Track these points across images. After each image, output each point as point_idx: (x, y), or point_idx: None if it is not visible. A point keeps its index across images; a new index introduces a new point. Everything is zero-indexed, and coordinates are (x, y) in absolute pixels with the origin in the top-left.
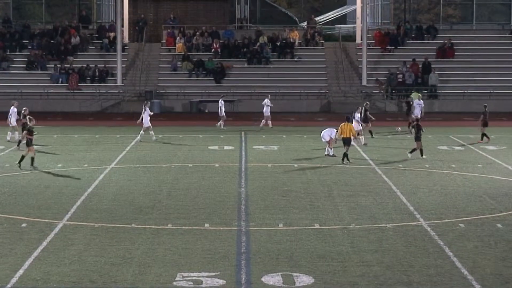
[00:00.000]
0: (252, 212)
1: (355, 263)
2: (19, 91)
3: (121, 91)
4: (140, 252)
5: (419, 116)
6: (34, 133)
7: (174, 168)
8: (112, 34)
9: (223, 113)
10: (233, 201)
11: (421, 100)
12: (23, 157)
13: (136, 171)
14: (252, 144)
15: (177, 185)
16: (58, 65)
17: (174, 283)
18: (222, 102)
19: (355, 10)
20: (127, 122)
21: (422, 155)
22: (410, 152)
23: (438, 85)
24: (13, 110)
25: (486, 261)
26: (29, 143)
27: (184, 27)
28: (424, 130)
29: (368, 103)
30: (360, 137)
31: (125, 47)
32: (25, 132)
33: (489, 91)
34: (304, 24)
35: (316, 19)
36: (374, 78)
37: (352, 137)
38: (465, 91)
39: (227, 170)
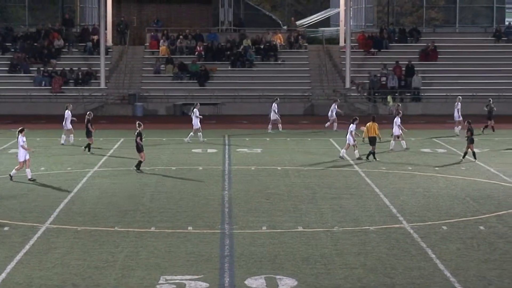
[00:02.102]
0: (235, 215)
1: (339, 265)
2: (2, 94)
3: (104, 94)
4: (123, 255)
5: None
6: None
7: (157, 171)
8: (95, 37)
9: (277, 116)
10: (216, 204)
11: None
12: (139, 163)
13: (119, 174)
14: (236, 147)
15: (161, 188)
16: (41, 68)
17: (158, 286)
18: (275, 105)
19: (338, 13)
20: (111, 125)
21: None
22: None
23: (421, 87)
24: (68, 113)
25: (468, 263)
26: (140, 149)
27: (167, 30)
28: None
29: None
30: (402, 141)
31: (109, 50)
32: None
33: (472, 94)
34: (286, 27)
35: (300, 22)
36: (352, 81)
37: (377, 136)
38: (448, 94)
39: (210, 173)
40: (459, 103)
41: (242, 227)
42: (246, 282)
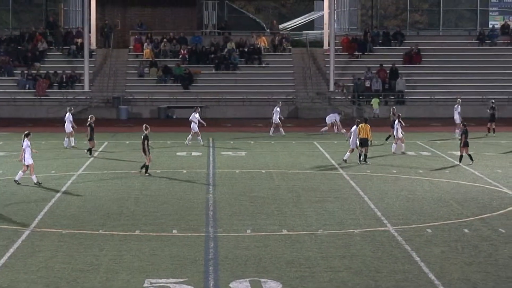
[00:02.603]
0: (220, 218)
1: (323, 268)
2: None
3: (88, 97)
4: (108, 258)
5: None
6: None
7: (142, 174)
8: (79, 40)
9: (277, 120)
10: (201, 207)
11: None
12: (147, 166)
13: (104, 177)
14: (220, 150)
15: (145, 191)
16: (25, 71)
17: None
18: (278, 109)
19: (322, 16)
20: (95, 128)
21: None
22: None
23: (405, 90)
24: (68, 116)
25: (453, 266)
26: (146, 151)
27: (151, 33)
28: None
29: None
30: (402, 144)
31: (93, 53)
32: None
33: (455, 97)
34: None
35: (284, 25)
36: (336, 83)
37: (368, 138)
38: (432, 97)
39: (195, 176)
40: (459, 105)
41: (226, 230)
42: (230, 285)
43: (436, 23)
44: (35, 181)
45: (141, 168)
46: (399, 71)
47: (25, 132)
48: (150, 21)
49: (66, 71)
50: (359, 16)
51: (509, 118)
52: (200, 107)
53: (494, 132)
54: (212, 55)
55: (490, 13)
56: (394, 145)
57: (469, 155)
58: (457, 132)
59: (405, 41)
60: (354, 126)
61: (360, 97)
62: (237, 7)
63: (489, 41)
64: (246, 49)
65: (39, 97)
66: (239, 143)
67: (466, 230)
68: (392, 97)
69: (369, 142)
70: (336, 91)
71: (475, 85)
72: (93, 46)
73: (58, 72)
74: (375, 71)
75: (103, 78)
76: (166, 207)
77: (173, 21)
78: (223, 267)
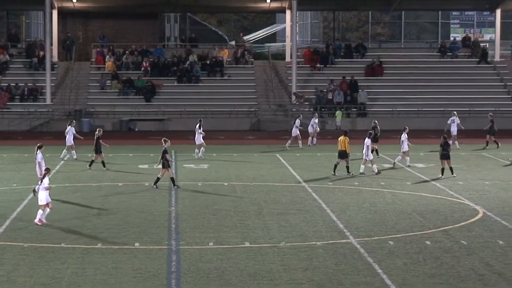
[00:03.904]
0: (182, 231)
1: (285, 281)
2: None
3: (50, 110)
4: (70, 271)
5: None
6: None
7: (103, 187)
8: (41, 53)
9: (298, 133)
10: (163, 220)
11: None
12: (157, 179)
13: (65, 190)
14: (182, 162)
15: (107, 204)
16: None
17: None
18: (298, 121)
19: (284, 28)
20: (57, 141)
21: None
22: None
23: (367, 103)
24: (70, 129)
25: (415, 278)
26: (165, 165)
27: (113, 45)
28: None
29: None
30: (407, 157)
31: (54, 65)
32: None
33: (417, 109)
34: (234, 42)
35: (246, 37)
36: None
37: (347, 150)
38: (394, 109)
39: (157, 189)
40: (456, 117)
41: (189, 243)
42: None
43: (397, 36)
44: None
45: (155, 183)
46: (361, 84)
47: (38, 145)
48: (112, 34)
49: (28, 84)
50: (321, 28)
51: (470, 130)
52: (162, 119)
53: (487, 145)
54: (174, 68)
55: (451, 26)
56: (399, 157)
57: (450, 168)
58: (456, 143)
59: (367, 54)
60: (368, 138)
61: (323, 109)
62: (199, 19)
63: (450, 54)
64: (208, 62)
65: (0, 110)
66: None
67: (428, 242)
68: (354, 110)
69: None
70: (296, 103)
71: (436, 97)
72: (55, 58)
73: (20, 85)
74: (337, 83)
75: (65, 91)
76: (128, 220)
77: (135, 34)
78: (185, 280)
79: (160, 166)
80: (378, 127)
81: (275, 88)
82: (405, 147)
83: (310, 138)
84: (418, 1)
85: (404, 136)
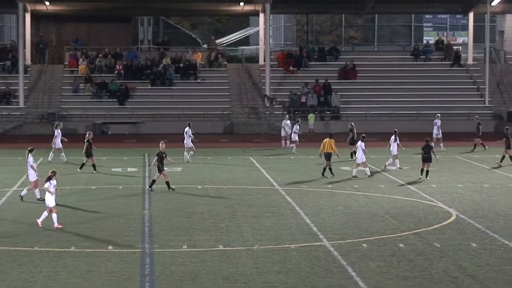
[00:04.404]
0: (156, 234)
1: (259, 284)
2: None
3: (23, 113)
4: (43, 275)
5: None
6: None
7: (77, 190)
8: (14, 56)
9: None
10: (136, 223)
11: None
12: (153, 181)
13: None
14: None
15: (80, 207)
16: None
17: None
18: (297, 127)
19: (258, 31)
20: (30, 145)
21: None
22: (421, 174)
23: (341, 106)
24: (58, 132)
25: (388, 280)
26: (160, 168)
27: (87, 48)
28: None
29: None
30: (397, 160)
31: (27, 68)
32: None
33: (390, 112)
34: (207, 45)
35: (219, 40)
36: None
37: (332, 152)
38: (367, 112)
39: (130, 192)
40: (438, 120)
41: (162, 246)
42: None
43: (371, 39)
44: (38, 197)
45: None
46: (335, 87)
47: (29, 148)
48: (85, 37)
49: (1, 87)
50: (294, 31)
51: (443, 133)
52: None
53: (474, 147)
54: (148, 71)
55: (425, 29)
56: (390, 160)
57: (427, 171)
58: (441, 146)
59: (340, 57)
60: (361, 142)
61: (296, 112)
62: (172, 22)
63: (424, 57)
64: (181, 65)
65: None
66: (175, 158)
67: (401, 245)
68: (328, 113)
69: (335, 156)
70: (268, 106)
71: (410, 100)
72: (28, 62)
73: None
74: (310, 87)
75: (38, 94)
76: (102, 223)
77: (108, 37)
78: (159, 283)
79: (166, 167)
80: (355, 129)
81: (249, 91)
82: (395, 150)
83: (283, 142)
84: (391, 4)
85: (394, 139)
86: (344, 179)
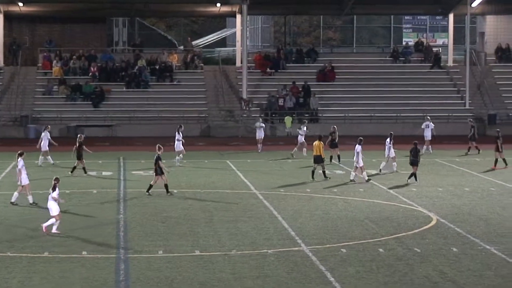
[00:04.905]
0: (131, 239)
1: None
2: None
3: None
4: (16, 281)
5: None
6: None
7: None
8: None
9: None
10: (111, 228)
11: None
12: (150, 186)
13: (11, 197)
14: (131, 169)
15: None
16: None
17: None
18: (305, 128)
19: (235, 33)
20: (2, 148)
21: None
22: (409, 178)
23: (319, 108)
24: (45, 134)
25: (368, 286)
26: (158, 172)
27: (60, 50)
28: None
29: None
30: (394, 163)
31: (0, 70)
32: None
33: (370, 115)
34: (183, 47)
35: (196, 42)
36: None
37: (322, 155)
38: (346, 115)
39: (105, 196)
40: (430, 122)
41: (137, 251)
42: None
43: (349, 40)
44: (31, 201)
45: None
46: (313, 89)
47: (19, 152)
48: (59, 38)
49: None
50: (272, 33)
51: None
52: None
53: (469, 150)
54: (123, 73)
55: (404, 30)
56: (383, 163)
57: (415, 174)
58: (430, 148)
59: (319, 59)
60: (358, 145)
61: (273, 115)
62: (148, 24)
63: (403, 58)
64: (157, 67)
65: None
66: (151, 162)
67: (381, 250)
68: (306, 115)
69: (324, 159)
70: (245, 108)
71: (389, 103)
72: (1, 63)
73: None
74: (288, 89)
75: (11, 96)
76: (76, 228)
77: (82, 38)
78: None
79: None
80: (337, 132)
81: (226, 94)
82: (392, 153)
83: (259, 145)
84: (370, 5)
85: (388, 142)
86: (323, 183)
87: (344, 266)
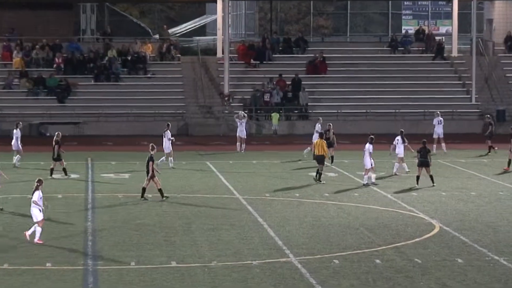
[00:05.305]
0: (100, 249)
1: None
2: None
3: None
4: None
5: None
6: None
7: (11, 200)
8: None
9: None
10: (78, 236)
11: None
12: (143, 189)
13: None
14: (100, 171)
15: (15, 219)
16: None
17: None
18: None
19: (215, 20)
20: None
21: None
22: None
23: (309, 104)
24: (17, 132)
25: None
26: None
27: (22, 39)
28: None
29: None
30: (404, 164)
31: None
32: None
33: (365, 111)
34: (158, 36)
35: (172, 30)
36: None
37: (325, 155)
38: (339, 111)
39: (71, 202)
40: (441, 118)
41: (107, 262)
42: None
43: (343, 28)
44: None
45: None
46: (302, 82)
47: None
48: (20, 26)
49: None
50: (256, 20)
51: (425, 135)
52: (77, 122)
53: (495, 150)
54: (91, 64)
55: (403, 17)
56: (396, 164)
57: (431, 176)
58: (443, 146)
59: (309, 49)
60: (369, 144)
61: (258, 111)
62: (119, 10)
63: (402, 48)
64: (129, 58)
65: None
66: (122, 164)
67: (378, 261)
68: (295, 112)
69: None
70: (225, 105)
71: (387, 98)
72: None
73: None
74: (274, 82)
75: None
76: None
77: (46, 26)
78: None
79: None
80: (332, 130)
81: (205, 88)
82: (401, 153)
83: (238, 144)
84: None
85: (398, 141)
86: (313, 187)
87: (337, 279)
